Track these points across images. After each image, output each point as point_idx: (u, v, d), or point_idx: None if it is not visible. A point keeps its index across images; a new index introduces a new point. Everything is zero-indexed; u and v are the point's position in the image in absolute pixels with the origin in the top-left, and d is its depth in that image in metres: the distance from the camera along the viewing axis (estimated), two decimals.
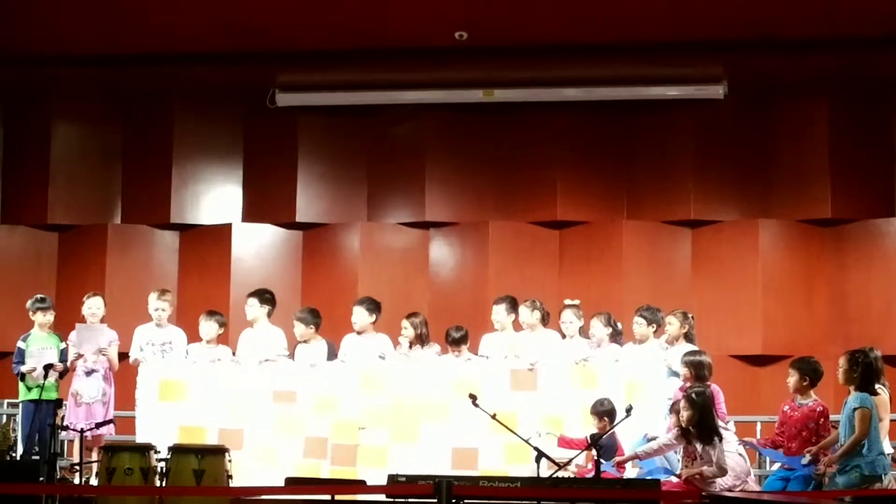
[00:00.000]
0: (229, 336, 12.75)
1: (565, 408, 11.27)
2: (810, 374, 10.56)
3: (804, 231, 14.52)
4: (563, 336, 12.07)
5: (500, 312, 12.22)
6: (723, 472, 10.10)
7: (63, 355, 12.08)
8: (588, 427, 10.88)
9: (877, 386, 10.21)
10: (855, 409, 9.74)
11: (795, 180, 14.53)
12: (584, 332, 12.08)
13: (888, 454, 10.13)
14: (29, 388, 11.96)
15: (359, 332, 12.30)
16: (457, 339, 11.98)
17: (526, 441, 9.87)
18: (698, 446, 10.19)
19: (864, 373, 9.92)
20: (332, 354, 12.20)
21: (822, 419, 10.45)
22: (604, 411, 10.78)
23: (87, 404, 12.08)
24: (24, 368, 12.00)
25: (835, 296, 14.23)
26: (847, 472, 9.73)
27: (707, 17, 12.99)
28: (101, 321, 12.34)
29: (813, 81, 14.43)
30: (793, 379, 10.58)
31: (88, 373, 12.14)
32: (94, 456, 11.37)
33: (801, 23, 13.08)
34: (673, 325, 11.79)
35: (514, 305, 12.27)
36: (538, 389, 11.40)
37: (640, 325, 11.88)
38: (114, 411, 12.24)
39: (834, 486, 9.90)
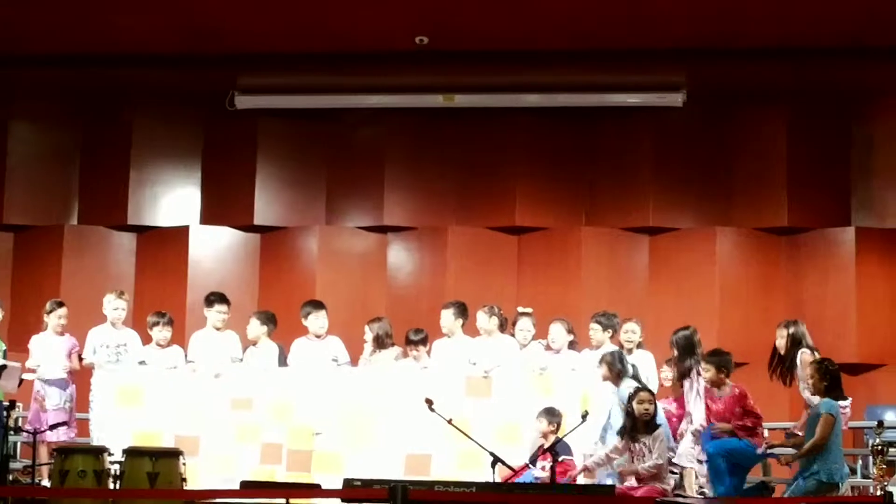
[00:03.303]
0: (184, 337, 12.69)
1: (520, 415, 11.23)
2: (726, 366, 10.79)
3: (761, 239, 14.62)
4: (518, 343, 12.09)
5: (446, 317, 12.21)
6: (659, 469, 10.20)
7: (5, 356, 11.98)
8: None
9: (804, 350, 10.84)
10: (820, 415, 9.81)
11: (753, 189, 14.64)
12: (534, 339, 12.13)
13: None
14: None
15: (318, 336, 12.26)
16: (415, 341, 11.98)
17: (480, 445, 9.87)
18: (646, 441, 10.30)
19: (831, 382, 10.06)
20: (283, 358, 12.18)
21: (744, 399, 10.64)
22: (553, 418, 10.79)
23: (52, 410, 12.02)
24: None
25: (791, 303, 14.30)
26: (806, 478, 9.81)
27: (667, 25, 13.02)
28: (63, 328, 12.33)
29: (771, 91, 14.52)
30: (709, 374, 10.78)
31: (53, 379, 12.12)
32: (45, 458, 11.32)
33: (760, 32, 13.14)
34: (636, 332, 11.86)
35: (461, 311, 12.25)
36: (492, 397, 11.38)
37: (595, 331, 11.90)
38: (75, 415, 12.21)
39: (792, 492, 9.96)
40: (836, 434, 9.90)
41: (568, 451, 10.69)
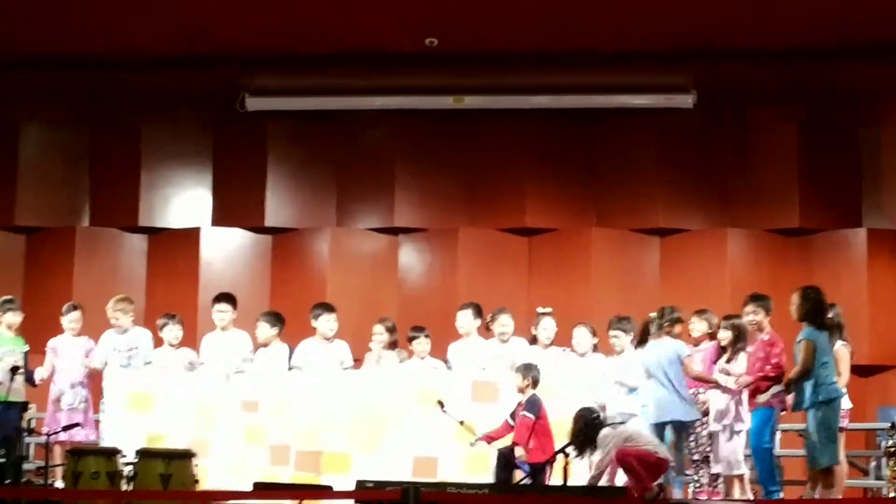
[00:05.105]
0: (195, 339, 12.71)
1: None
2: (768, 308, 10.88)
3: (772, 240, 14.62)
4: (535, 343, 12.06)
5: (464, 318, 12.21)
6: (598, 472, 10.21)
7: (26, 358, 11.99)
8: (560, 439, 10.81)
9: (840, 343, 10.82)
10: (798, 342, 10.00)
11: (763, 190, 14.63)
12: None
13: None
14: None
15: (327, 338, 12.26)
16: (416, 336, 12.08)
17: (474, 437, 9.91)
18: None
19: (812, 307, 10.15)
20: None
21: (771, 346, 10.65)
22: (528, 373, 10.72)
23: (67, 410, 12.05)
24: None
25: None
26: (808, 410, 9.97)
27: (676, 26, 13.03)
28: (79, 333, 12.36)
29: (782, 92, 14.51)
30: (759, 316, 10.85)
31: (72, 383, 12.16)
32: (60, 460, 11.34)
33: (770, 33, 13.14)
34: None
35: (479, 312, 12.26)
36: (498, 402, 11.32)
37: (618, 338, 11.69)
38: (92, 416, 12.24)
39: (808, 431, 10.01)
40: (819, 359, 9.97)
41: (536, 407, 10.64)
